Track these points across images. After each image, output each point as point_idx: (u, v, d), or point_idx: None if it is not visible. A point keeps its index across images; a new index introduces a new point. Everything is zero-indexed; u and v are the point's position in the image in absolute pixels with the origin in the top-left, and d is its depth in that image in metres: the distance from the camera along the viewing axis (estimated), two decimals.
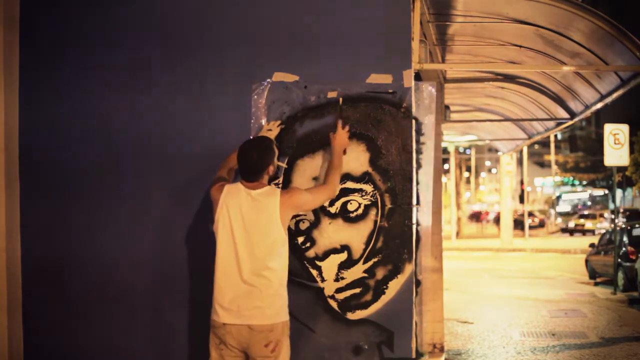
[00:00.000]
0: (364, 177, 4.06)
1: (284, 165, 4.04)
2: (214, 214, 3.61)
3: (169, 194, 4.18)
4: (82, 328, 4.20)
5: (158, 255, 4.18)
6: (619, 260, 13.73)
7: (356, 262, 4.05)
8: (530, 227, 37.48)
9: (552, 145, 43.60)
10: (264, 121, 4.12)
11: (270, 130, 4.03)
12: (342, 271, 4.05)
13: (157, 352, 4.17)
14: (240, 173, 3.66)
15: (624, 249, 13.90)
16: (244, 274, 3.49)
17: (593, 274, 16.11)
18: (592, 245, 16.94)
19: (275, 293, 3.52)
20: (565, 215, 44.42)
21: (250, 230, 3.51)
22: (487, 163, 68.22)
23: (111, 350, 4.18)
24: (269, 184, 3.71)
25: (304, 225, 4.06)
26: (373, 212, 4.05)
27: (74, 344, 4.19)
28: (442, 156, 5.89)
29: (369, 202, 4.05)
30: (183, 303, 4.14)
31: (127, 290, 4.19)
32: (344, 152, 3.97)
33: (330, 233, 4.05)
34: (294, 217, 4.01)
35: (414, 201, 4.12)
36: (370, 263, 4.05)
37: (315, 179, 4.06)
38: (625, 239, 14.24)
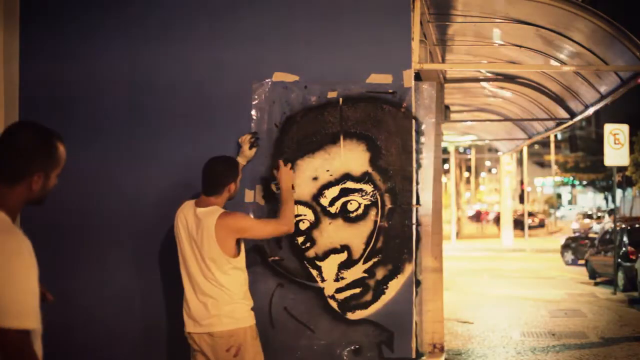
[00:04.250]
0: (364, 177, 4.06)
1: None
2: None
3: (167, 194, 4.17)
4: None
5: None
6: (619, 260, 13.73)
7: (356, 262, 4.05)
8: (530, 227, 37.47)
9: (552, 145, 43.58)
10: (264, 121, 4.11)
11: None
12: (342, 271, 4.05)
13: None
14: (202, 187, 3.61)
15: (624, 249, 13.89)
16: (196, 288, 3.54)
17: (593, 274, 16.11)
18: (592, 245, 16.94)
19: (233, 302, 3.52)
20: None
21: (195, 247, 3.53)
22: (487, 163, 68.21)
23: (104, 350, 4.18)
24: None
25: (304, 225, 4.06)
26: (373, 212, 4.05)
27: None
28: (442, 156, 5.88)
29: (369, 202, 4.05)
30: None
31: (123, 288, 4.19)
32: (292, 187, 3.90)
33: (330, 233, 4.05)
34: (294, 216, 4.01)
35: (414, 201, 4.12)
36: (370, 263, 4.05)
37: (315, 179, 4.05)
38: (625, 239, 14.24)
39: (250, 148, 3.99)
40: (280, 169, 3.88)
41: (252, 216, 3.97)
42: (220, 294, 3.50)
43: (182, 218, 3.60)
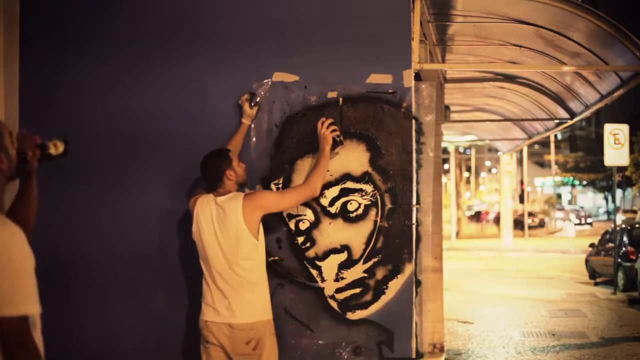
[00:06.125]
0: (364, 177, 4.05)
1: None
2: (192, 223, 3.74)
3: (168, 193, 4.18)
4: (81, 326, 4.20)
5: (157, 251, 4.19)
6: (619, 260, 13.73)
7: (356, 262, 4.05)
8: (530, 227, 37.48)
9: (552, 145, 43.59)
10: (264, 121, 4.11)
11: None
12: (342, 271, 4.05)
13: (155, 351, 4.17)
14: (206, 184, 3.80)
15: (624, 249, 13.90)
16: (218, 279, 3.61)
17: (593, 274, 16.11)
18: (592, 245, 16.94)
19: (253, 294, 3.61)
20: None
21: (220, 237, 3.62)
22: (487, 163, 68.22)
23: (110, 348, 4.18)
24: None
25: (304, 225, 4.06)
26: (373, 212, 4.05)
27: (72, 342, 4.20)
28: (442, 156, 5.88)
29: (369, 202, 4.05)
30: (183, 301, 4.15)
31: (128, 287, 4.19)
32: (333, 150, 3.92)
33: (330, 233, 4.05)
34: (294, 217, 4.02)
35: (414, 201, 4.12)
36: (370, 263, 4.05)
37: None
38: (625, 239, 14.24)
39: (251, 107, 4.04)
40: (324, 129, 3.88)
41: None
42: (243, 284, 3.59)
43: (205, 210, 3.67)
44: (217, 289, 3.61)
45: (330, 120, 3.93)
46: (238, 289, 3.58)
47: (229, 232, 3.60)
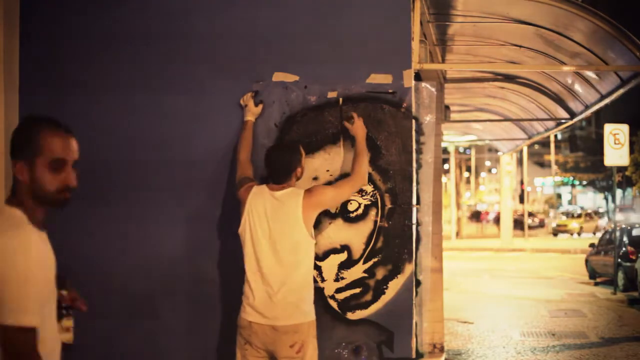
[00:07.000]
0: None
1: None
2: (241, 215, 3.67)
3: (170, 194, 4.18)
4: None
5: (161, 257, 4.18)
6: (619, 260, 13.73)
7: (356, 262, 4.05)
8: (530, 227, 37.46)
9: (552, 145, 43.59)
10: (264, 121, 4.11)
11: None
12: (342, 271, 4.05)
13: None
14: (269, 176, 3.72)
15: (624, 249, 13.90)
16: (267, 277, 3.54)
17: (593, 274, 16.11)
18: (592, 245, 16.94)
19: (300, 294, 3.56)
20: None
21: (275, 232, 3.56)
22: (487, 163, 68.19)
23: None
24: None
25: None
26: (373, 212, 4.05)
27: None
28: (442, 156, 5.89)
29: (369, 202, 4.05)
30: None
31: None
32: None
33: (330, 233, 4.05)
34: None
35: (414, 201, 4.12)
36: (370, 263, 4.05)
37: (315, 179, 4.05)
38: (625, 239, 14.24)
39: (256, 105, 4.05)
40: (355, 121, 3.93)
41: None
42: (290, 285, 3.53)
43: (258, 205, 3.59)
44: (262, 290, 3.53)
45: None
46: (286, 290, 3.52)
47: (285, 230, 3.55)
